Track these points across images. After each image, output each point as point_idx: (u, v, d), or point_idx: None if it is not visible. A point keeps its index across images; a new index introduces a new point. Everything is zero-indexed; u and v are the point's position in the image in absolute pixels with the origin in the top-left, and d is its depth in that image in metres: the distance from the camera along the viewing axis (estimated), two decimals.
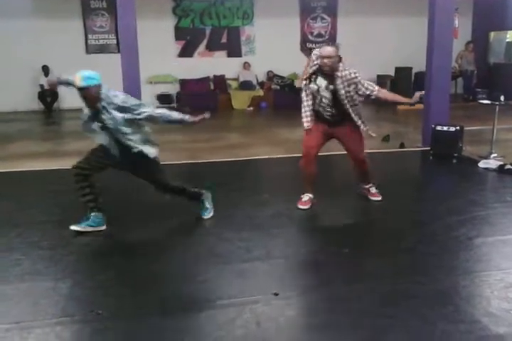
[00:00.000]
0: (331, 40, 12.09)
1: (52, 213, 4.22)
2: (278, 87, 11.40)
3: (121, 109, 3.48)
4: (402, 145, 6.60)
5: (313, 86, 4.04)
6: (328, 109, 4.07)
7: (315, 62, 4.02)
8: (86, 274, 3.15)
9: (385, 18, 11.47)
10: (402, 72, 11.36)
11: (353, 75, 3.93)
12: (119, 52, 10.00)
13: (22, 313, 2.65)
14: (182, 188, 3.88)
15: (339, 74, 3.92)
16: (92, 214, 3.69)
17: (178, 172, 5.81)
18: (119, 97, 3.52)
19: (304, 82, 4.11)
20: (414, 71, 11.40)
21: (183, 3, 11.38)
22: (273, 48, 11.26)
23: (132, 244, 3.62)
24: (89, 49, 11.21)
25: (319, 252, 3.38)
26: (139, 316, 2.60)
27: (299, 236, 3.66)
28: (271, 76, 11.58)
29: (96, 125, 3.59)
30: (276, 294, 2.77)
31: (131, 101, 3.56)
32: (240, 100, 11.19)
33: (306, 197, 4.25)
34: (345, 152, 4.34)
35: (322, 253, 3.33)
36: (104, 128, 3.55)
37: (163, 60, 10.80)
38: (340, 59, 3.94)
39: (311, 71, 4.06)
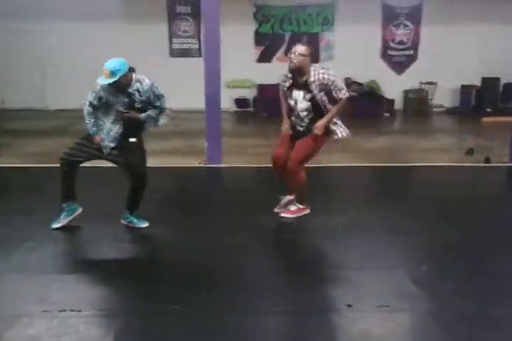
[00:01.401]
0: (414, 48, 11.79)
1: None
2: (355, 94, 11.24)
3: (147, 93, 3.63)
4: (487, 160, 6.28)
5: (290, 101, 3.98)
6: (304, 122, 4.00)
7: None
8: (161, 269, 3.25)
9: (471, 25, 10.98)
10: (489, 82, 10.87)
11: (326, 77, 3.83)
12: (200, 56, 10.38)
13: (106, 302, 2.80)
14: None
15: (312, 78, 3.82)
16: (64, 204, 3.83)
17: (252, 176, 5.92)
18: (147, 83, 3.66)
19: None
20: (502, 82, 10.85)
21: (265, 8, 11.53)
22: (352, 55, 11.13)
23: (212, 242, 3.69)
24: (173, 53, 11.63)
25: (395, 266, 3.28)
26: (216, 314, 2.66)
27: (375, 248, 3.57)
28: (349, 83, 11.44)
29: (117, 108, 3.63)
30: (349, 305, 2.74)
31: (158, 90, 3.70)
32: None
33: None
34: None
35: (399, 268, 3.24)
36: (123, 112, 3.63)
37: (242, 65, 11.00)
38: (310, 60, 3.84)
39: (286, 85, 3.99)
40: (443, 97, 11.55)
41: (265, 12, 11.55)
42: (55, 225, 3.82)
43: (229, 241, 3.72)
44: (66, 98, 10.57)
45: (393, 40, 11.83)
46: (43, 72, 11.15)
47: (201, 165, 6.10)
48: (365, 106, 10.89)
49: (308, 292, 2.93)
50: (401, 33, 11.78)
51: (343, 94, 3.91)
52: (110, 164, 3.87)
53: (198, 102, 6.29)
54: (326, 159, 6.49)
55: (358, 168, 6.13)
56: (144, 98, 3.63)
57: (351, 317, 2.64)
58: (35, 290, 2.92)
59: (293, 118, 4.04)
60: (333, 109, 3.97)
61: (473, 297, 2.86)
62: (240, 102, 11.31)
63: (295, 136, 4.04)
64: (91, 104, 3.68)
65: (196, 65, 7.97)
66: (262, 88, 11.37)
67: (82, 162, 3.76)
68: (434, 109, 11.54)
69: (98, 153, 3.75)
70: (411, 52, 11.84)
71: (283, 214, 4.14)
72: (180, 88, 10.99)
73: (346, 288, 2.96)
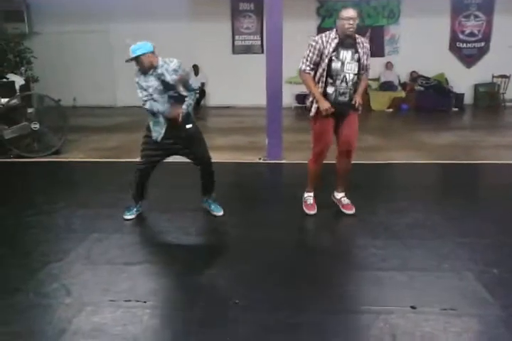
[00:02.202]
0: (485, 39, 11.22)
1: (199, 202, 4.46)
2: (422, 88, 10.87)
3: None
4: None
5: (335, 65, 3.62)
6: (349, 88, 3.70)
7: (317, 46, 3.65)
8: (226, 264, 3.29)
9: None
10: None
11: (366, 44, 3.70)
12: (262, 52, 10.40)
13: (171, 294, 2.86)
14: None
15: (358, 40, 3.67)
16: (137, 205, 4.07)
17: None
18: (175, 62, 3.72)
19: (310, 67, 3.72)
20: None
21: (328, 3, 11.38)
22: (418, 48, 10.78)
23: (273, 239, 3.69)
24: (236, 49, 11.74)
25: (463, 269, 3.13)
26: (273, 310, 2.66)
27: (441, 249, 3.43)
28: (415, 76, 11.08)
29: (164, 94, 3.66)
30: (413, 307, 2.65)
31: (186, 68, 3.75)
32: (380, 101, 10.88)
33: (311, 198, 4.09)
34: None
35: (468, 271, 3.08)
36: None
37: None
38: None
39: (330, 49, 3.62)
40: None
41: (328, 7, 11.40)
42: (128, 216, 4.03)
43: (287, 237, 3.71)
44: (133, 95, 10.92)
45: (463, 32, 11.32)
46: (111, 70, 11.60)
47: (261, 161, 6.12)
48: (432, 100, 10.53)
49: (371, 292, 2.86)
50: (471, 25, 11.25)
51: (369, 68, 3.83)
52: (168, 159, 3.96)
53: (261, 99, 6.30)
54: (392, 156, 6.33)
55: (424, 165, 5.91)
56: (174, 77, 3.63)
57: (415, 319, 2.55)
58: (102, 280, 3.03)
59: (332, 88, 3.69)
60: (363, 84, 3.83)
61: None
62: (301, 98, 11.23)
63: (337, 111, 3.75)
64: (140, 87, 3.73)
65: (258, 62, 7.99)
66: None
67: (155, 166, 3.90)
68: (507, 104, 10.94)
69: (166, 152, 3.85)
70: (482, 44, 11.28)
71: (350, 212, 4.09)
72: (243, 85, 11.11)
73: (410, 290, 2.86)
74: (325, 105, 3.68)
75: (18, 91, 7.35)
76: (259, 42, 11.53)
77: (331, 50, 3.63)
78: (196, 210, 4.21)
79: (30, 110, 6.72)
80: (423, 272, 3.08)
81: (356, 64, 3.68)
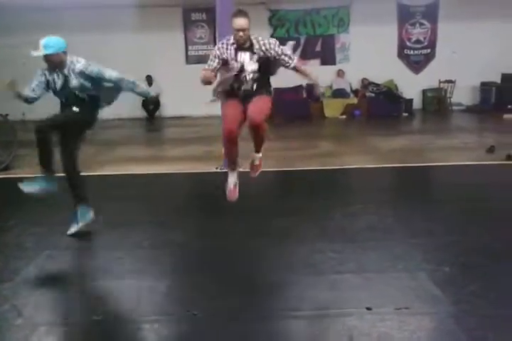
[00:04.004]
0: (431, 46, 11.66)
1: (153, 215, 4.44)
2: (373, 95, 11.16)
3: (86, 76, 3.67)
4: (509, 158, 6.17)
5: (235, 66, 3.71)
6: (250, 83, 3.80)
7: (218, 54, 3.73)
8: (184, 275, 3.26)
9: (489, 21, 10.80)
10: (509, 78, 10.66)
11: (272, 41, 3.77)
12: None
13: (124, 309, 2.81)
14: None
15: (255, 42, 3.73)
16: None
17: (269, 179, 5.91)
18: (82, 63, 3.74)
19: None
20: None
21: (279, 13, 11.55)
22: (368, 55, 11.06)
23: (230, 248, 3.69)
24: (189, 59, 11.72)
25: (417, 269, 3.22)
26: (232, 319, 2.65)
27: (395, 250, 3.52)
28: (366, 83, 11.37)
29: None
30: (369, 308, 2.70)
31: (96, 69, 3.71)
32: (333, 108, 11.10)
33: (234, 181, 4.12)
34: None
35: (420, 270, 3.18)
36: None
37: None
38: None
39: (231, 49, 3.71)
40: (462, 95, 11.39)
41: (280, 16, 11.57)
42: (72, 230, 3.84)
43: (245, 245, 3.71)
44: None
45: (410, 40, 11.72)
46: None
47: (218, 170, 6.12)
48: (383, 106, 10.82)
49: (328, 295, 2.90)
50: (417, 32, 11.67)
51: (293, 57, 3.92)
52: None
53: (216, 108, 6.30)
54: (345, 160, 6.47)
55: (377, 169, 6.06)
56: (80, 81, 3.67)
57: (371, 320, 2.60)
58: (54, 299, 2.94)
59: (235, 83, 3.79)
60: (303, 69, 4.07)
61: (496, 300, 2.78)
62: None
63: (243, 97, 3.83)
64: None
65: None
66: (277, 92, 11.34)
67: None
68: (454, 108, 11.38)
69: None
70: (428, 50, 11.71)
71: (256, 174, 4.25)
72: (197, 94, 11.08)
73: (365, 291, 2.92)
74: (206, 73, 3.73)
75: None
76: None
77: (231, 52, 3.72)
78: (150, 223, 4.16)
79: None
80: (378, 273, 3.15)
81: (256, 64, 3.75)
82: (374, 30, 10.99)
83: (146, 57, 11.15)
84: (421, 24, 11.62)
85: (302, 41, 11.63)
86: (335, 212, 4.35)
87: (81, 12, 10.59)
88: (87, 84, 3.72)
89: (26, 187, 3.71)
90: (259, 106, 3.87)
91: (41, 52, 3.61)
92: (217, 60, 3.76)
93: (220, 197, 5.10)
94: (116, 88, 3.82)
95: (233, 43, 3.74)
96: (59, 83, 3.68)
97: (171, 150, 7.86)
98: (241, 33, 3.64)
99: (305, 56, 11.65)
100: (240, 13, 3.68)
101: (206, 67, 3.79)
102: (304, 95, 11.47)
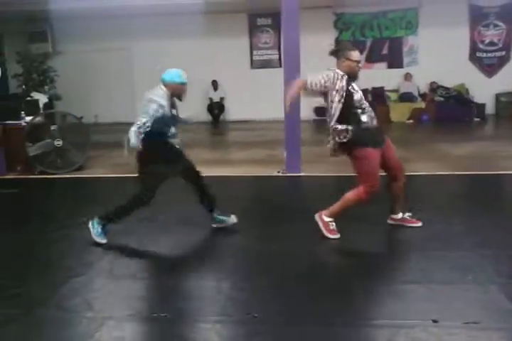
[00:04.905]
0: (506, 48, 11.12)
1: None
2: (442, 99, 10.78)
3: None
4: None
5: (357, 96, 3.71)
6: (374, 119, 3.74)
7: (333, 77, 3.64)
8: (246, 277, 3.29)
9: None
10: None
11: None
12: (280, 66, 10.48)
13: (187, 308, 2.87)
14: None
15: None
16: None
17: (332, 184, 5.85)
18: None
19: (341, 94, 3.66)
20: None
21: (345, 16, 11.44)
22: (438, 58, 10.72)
23: (291, 252, 3.68)
24: (254, 64, 11.86)
25: (487, 281, 3.06)
26: (292, 324, 2.64)
27: (464, 261, 3.36)
28: (434, 87, 11.01)
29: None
30: (435, 321, 2.60)
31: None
32: (399, 112, 10.83)
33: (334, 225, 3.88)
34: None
35: (491, 283, 3.02)
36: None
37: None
38: None
39: (343, 83, 3.64)
40: None
41: (345, 20, 11.46)
42: (103, 240, 3.88)
43: (307, 250, 3.69)
44: None
45: (483, 42, 11.24)
46: (132, 87, 11.83)
47: (280, 174, 6.13)
48: (452, 110, 10.44)
49: (393, 305, 2.82)
50: (491, 34, 11.18)
51: None
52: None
53: (279, 112, 6.33)
54: (412, 167, 6.27)
55: (446, 176, 5.84)
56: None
57: (437, 333, 2.50)
58: (123, 294, 3.06)
59: (366, 117, 3.71)
60: None
61: None
62: (319, 110, 11.24)
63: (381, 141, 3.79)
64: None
65: (275, 76, 8.05)
66: None
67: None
68: None
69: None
70: (503, 53, 11.18)
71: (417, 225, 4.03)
72: (262, 99, 11.18)
73: (433, 303, 2.81)
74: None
75: (41, 109, 7.54)
76: (277, 57, 11.63)
77: (346, 85, 3.67)
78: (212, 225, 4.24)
79: (53, 127, 6.89)
80: (446, 285, 3.02)
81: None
82: (444, 32, 10.65)
83: (211, 62, 11.39)
84: (495, 25, 11.12)
85: (368, 44, 11.45)
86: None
87: (149, 19, 10.99)
88: None
89: (100, 240, 3.85)
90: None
91: (184, 80, 3.80)
92: (323, 82, 3.66)
93: (281, 200, 5.12)
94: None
95: (343, 76, 3.69)
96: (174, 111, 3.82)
97: (235, 153, 7.97)
98: (360, 65, 3.74)
99: (371, 59, 11.47)
100: (354, 46, 3.86)
101: (309, 81, 3.70)
102: (370, 98, 11.27)
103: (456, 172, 5.99)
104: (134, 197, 3.76)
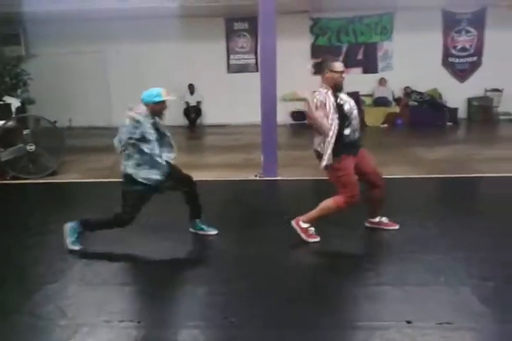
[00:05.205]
0: (477, 54, 11.37)
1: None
2: (416, 104, 10.97)
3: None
4: None
5: (347, 107, 3.69)
6: (357, 131, 3.76)
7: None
8: (222, 282, 3.28)
9: None
10: None
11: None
12: (257, 71, 10.50)
13: (163, 314, 2.85)
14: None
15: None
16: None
17: (309, 188, 5.89)
18: None
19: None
20: None
21: (321, 21, 11.54)
22: (411, 63, 10.90)
23: (268, 256, 3.69)
24: (231, 68, 11.86)
25: (459, 283, 3.12)
26: (269, 328, 2.65)
27: (437, 263, 3.42)
28: (408, 92, 11.19)
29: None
30: (409, 322, 2.64)
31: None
32: (374, 117, 10.97)
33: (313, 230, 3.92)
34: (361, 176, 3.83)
35: (463, 285, 3.08)
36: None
37: (298, 78, 11.01)
38: None
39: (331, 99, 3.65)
40: (510, 105, 11.03)
41: (322, 25, 11.56)
42: (77, 247, 3.83)
43: (284, 254, 3.70)
44: None
45: (455, 47, 11.47)
46: (107, 91, 11.71)
47: (257, 177, 6.14)
48: (426, 115, 10.62)
49: (369, 307, 2.85)
50: (463, 40, 11.42)
51: None
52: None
53: (256, 116, 6.35)
54: (386, 170, 6.34)
55: (419, 180, 5.94)
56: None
57: (411, 334, 2.54)
58: (97, 301, 3.02)
59: (349, 131, 3.71)
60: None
61: None
62: (297, 115, 11.32)
63: (355, 151, 3.80)
64: None
65: (252, 80, 8.07)
66: None
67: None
68: (501, 117, 11.03)
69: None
70: (474, 58, 11.43)
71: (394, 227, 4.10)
72: (238, 103, 11.20)
73: (406, 304, 2.86)
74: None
75: (14, 113, 7.41)
76: (253, 61, 11.66)
77: (334, 101, 3.67)
78: (189, 229, 4.22)
79: (26, 132, 6.76)
80: (419, 287, 3.07)
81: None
82: (418, 37, 10.85)
83: (188, 66, 11.36)
84: (467, 31, 11.37)
85: (344, 49, 11.58)
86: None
87: (125, 22, 10.90)
88: None
89: (74, 247, 3.81)
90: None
91: (166, 98, 3.68)
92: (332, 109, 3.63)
93: (259, 204, 5.13)
94: None
95: (327, 91, 3.70)
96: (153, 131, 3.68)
97: (212, 157, 7.96)
98: (343, 75, 3.72)
99: (346, 64, 11.57)
100: (330, 52, 3.83)
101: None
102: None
103: (430, 176, 6.09)
104: (116, 216, 3.71)
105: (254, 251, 3.76)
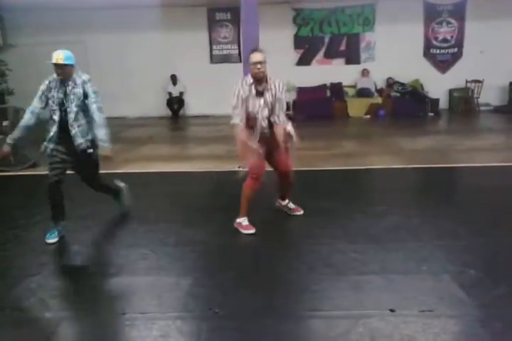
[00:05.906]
0: (458, 45, 11.47)
1: (176, 212, 4.48)
2: (398, 94, 11.04)
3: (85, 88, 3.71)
4: None
5: (250, 110, 3.78)
6: (267, 127, 3.85)
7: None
8: (206, 273, 3.28)
9: None
10: None
11: (281, 86, 3.78)
12: (240, 61, 10.45)
13: (147, 305, 2.84)
14: (108, 186, 4.13)
15: (271, 85, 3.76)
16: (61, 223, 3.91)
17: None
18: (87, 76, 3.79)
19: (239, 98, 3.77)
20: None
21: (304, 12, 11.51)
22: (394, 54, 10.97)
23: (251, 247, 3.71)
24: (213, 59, 11.78)
25: (441, 271, 3.17)
26: (253, 318, 2.66)
27: (419, 252, 3.47)
28: (391, 83, 11.26)
29: (57, 97, 3.76)
30: (392, 310, 2.67)
31: (93, 86, 3.75)
32: (357, 108, 11.02)
33: (246, 221, 4.02)
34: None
35: (445, 273, 3.13)
36: (62, 104, 3.75)
37: (282, 69, 10.99)
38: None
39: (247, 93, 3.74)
40: (490, 95, 11.19)
41: (304, 15, 11.53)
42: (51, 240, 3.82)
43: (266, 245, 3.72)
44: (110, 105, 10.89)
45: (436, 39, 11.55)
46: None
47: (240, 169, 6.12)
48: (408, 106, 10.70)
49: (350, 296, 2.88)
50: (444, 31, 11.50)
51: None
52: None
53: None
54: (369, 160, 6.41)
55: (401, 170, 5.99)
56: (77, 90, 3.73)
57: (394, 322, 2.58)
58: (83, 292, 2.99)
59: (256, 122, 3.85)
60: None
61: None
62: None
63: (263, 141, 3.92)
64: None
65: (236, 71, 8.05)
66: (300, 91, 11.34)
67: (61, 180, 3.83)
68: (481, 108, 11.17)
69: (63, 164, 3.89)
70: (455, 50, 11.53)
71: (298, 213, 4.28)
72: (221, 94, 11.14)
73: (389, 293, 2.89)
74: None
75: None
76: (236, 52, 11.60)
77: (244, 97, 3.75)
78: (172, 220, 4.21)
79: (5, 123, 6.63)
80: (402, 275, 3.12)
81: (268, 109, 3.81)
82: (400, 28, 10.90)
83: (170, 56, 11.25)
84: (448, 23, 11.44)
85: (326, 40, 11.58)
86: (358, 212, 4.32)
87: (105, 12, 10.74)
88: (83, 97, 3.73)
89: (50, 240, 3.80)
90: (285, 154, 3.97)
91: (62, 61, 3.67)
92: (237, 98, 3.76)
93: (239, 195, 5.12)
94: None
95: (252, 83, 3.73)
96: (61, 94, 3.74)
97: (195, 148, 7.93)
98: (259, 66, 3.65)
99: (329, 55, 11.60)
100: (256, 50, 3.78)
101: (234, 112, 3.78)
102: (328, 94, 11.43)
103: (411, 166, 6.16)
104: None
105: (237, 242, 3.77)
